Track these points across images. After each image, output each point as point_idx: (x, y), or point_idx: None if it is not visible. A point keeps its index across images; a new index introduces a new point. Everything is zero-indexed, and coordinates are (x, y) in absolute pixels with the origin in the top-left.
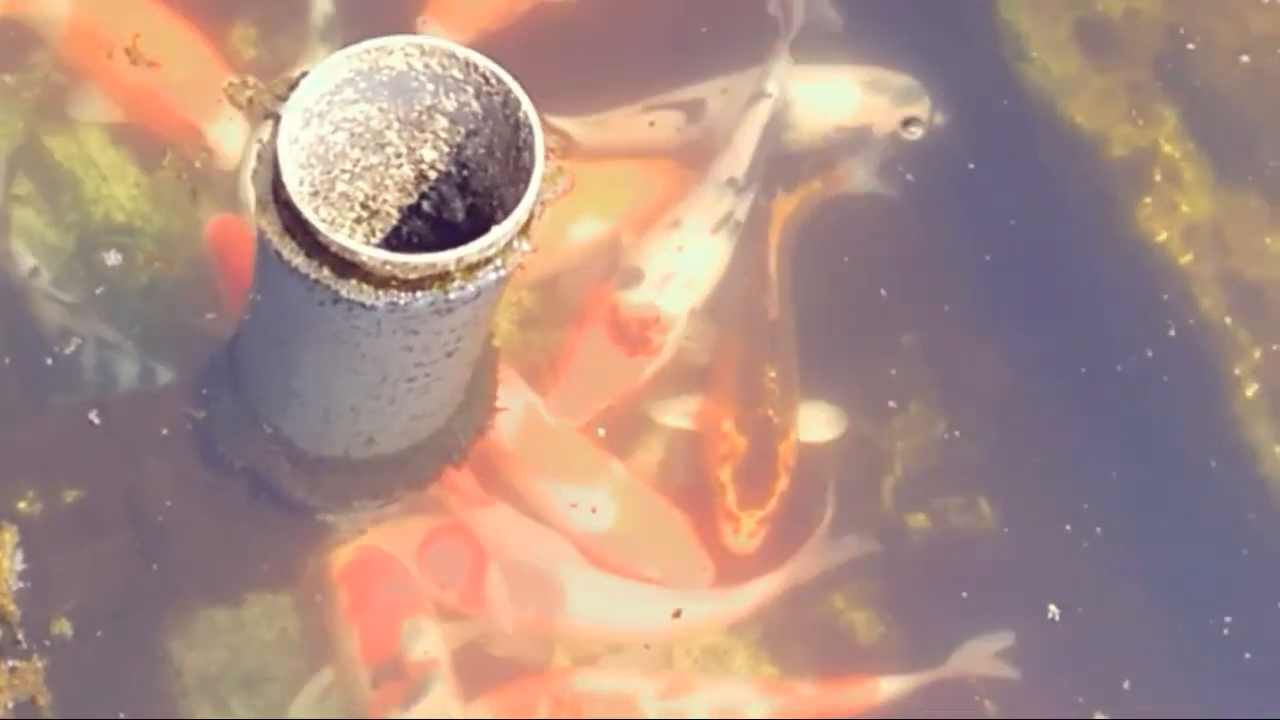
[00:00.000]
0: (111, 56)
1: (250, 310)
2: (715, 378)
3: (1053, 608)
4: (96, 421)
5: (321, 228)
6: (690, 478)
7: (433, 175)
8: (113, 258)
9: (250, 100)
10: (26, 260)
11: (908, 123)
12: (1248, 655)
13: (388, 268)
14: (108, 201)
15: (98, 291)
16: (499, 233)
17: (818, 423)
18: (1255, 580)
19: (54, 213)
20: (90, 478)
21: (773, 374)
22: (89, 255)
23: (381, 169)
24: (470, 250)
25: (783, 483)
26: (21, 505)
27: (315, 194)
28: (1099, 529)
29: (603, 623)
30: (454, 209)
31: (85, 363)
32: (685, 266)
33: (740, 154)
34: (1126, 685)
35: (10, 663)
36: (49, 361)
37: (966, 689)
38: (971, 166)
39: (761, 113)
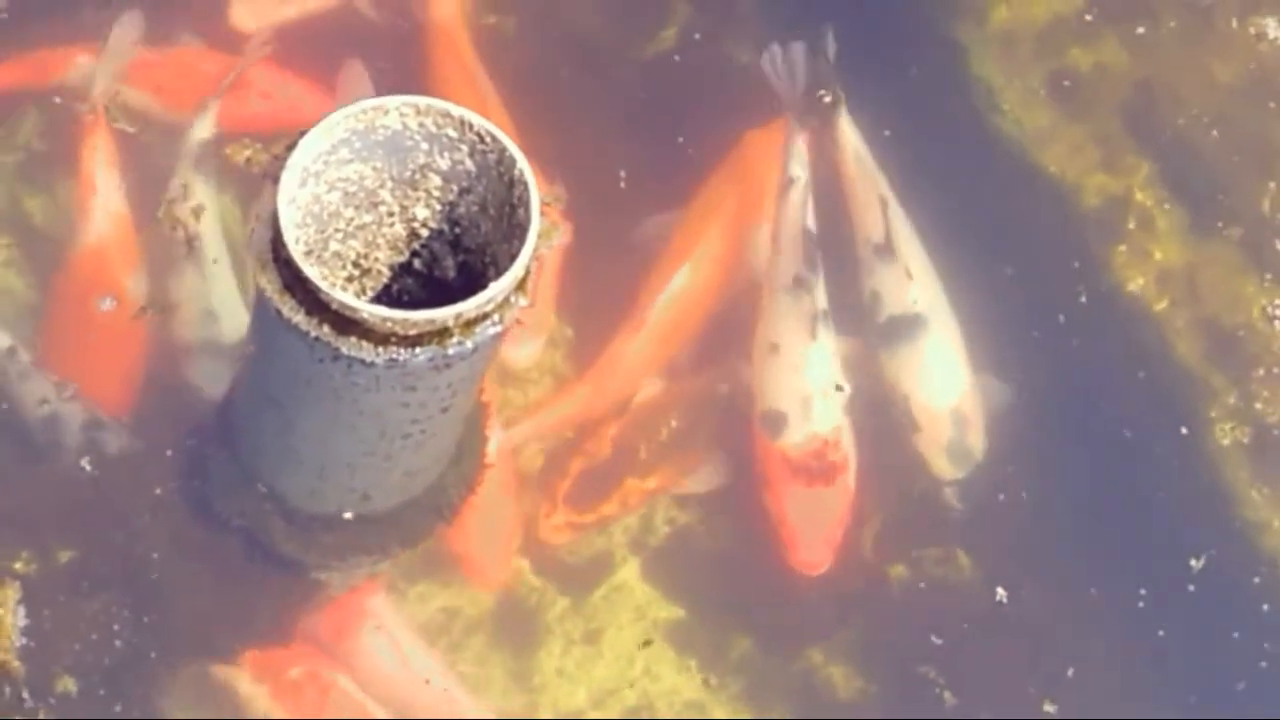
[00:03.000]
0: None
1: (246, 368)
2: (651, 400)
3: (1000, 590)
4: (89, 469)
5: (322, 285)
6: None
7: (425, 233)
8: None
9: (248, 160)
10: (2, 340)
11: None
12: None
13: (388, 324)
14: None
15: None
16: (497, 288)
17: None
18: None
19: (36, 274)
20: (84, 537)
21: (674, 422)
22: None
23: (374, 227)
24: (469, 306)
25: (610, 509)
26: (17, 565)
27: (309, 253)
28: (1081, 579)
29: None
30: (445, 266)
31: (69, 442)
32: (811, 381)
33: (792, 250)
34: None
35: None
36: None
37: (927, 683)
38: (945, 218)
39: (795, 200)
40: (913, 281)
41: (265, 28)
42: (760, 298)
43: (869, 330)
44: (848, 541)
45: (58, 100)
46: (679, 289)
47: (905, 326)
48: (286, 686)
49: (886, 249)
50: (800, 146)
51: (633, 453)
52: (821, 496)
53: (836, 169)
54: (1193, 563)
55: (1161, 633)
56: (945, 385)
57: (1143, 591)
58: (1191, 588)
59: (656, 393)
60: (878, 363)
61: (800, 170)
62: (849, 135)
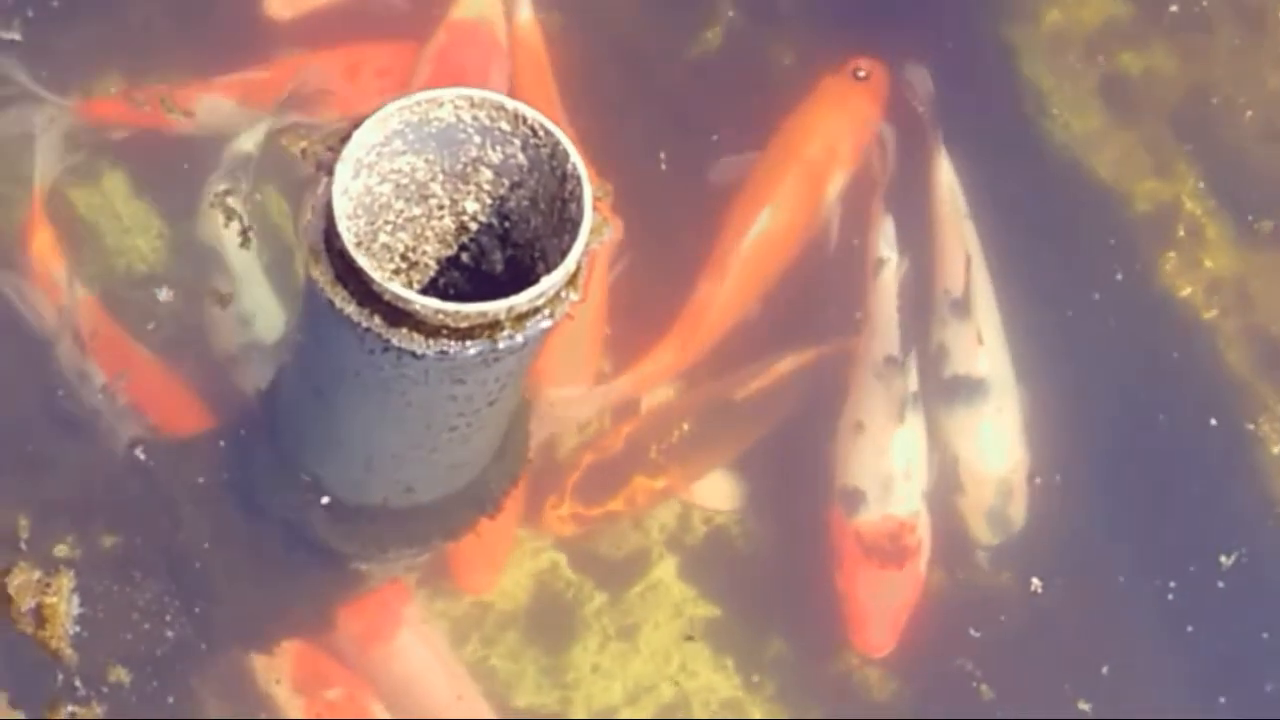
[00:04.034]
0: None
1: (293, 358)
2: (666, 402)
3: (1035, 580)
4: (140, 457)
5: (375, 276)
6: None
7: (474, 227)
8: (163, 293)
9: (303, 151)
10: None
11: None
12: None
13: (439, 317)
14: (130, 253)
15: (149, 326)
16: (549, 283)
17: (716, 491)
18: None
19: (76, 264)
20: (127, 525)
21: (686, 425)
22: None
23: (423, 220)
24: (521, 300)
25: (615, 507)
26: (61, 550)
27: (358, 245)
28: (1117, 573)
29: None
30: (493, 261)
31: (119, 430)
32: (894, 463)
33: (885, 331)
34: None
35: (70, 708)
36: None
37: (964, 675)
38: (994, 223)
39: (887, 281)
40: (982, 347)
41: (300, 15)
42: (850, 373)
43: (929, 379)
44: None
45: (112, 90)
46: (760, 234)
47: (966, 389)
48: (322, 705)
49: (962, 306)
50: (889, 227)
51: (643, 452)
52: (891, 580)
53: (928, 210)
54: (1222, 559)
55: (1190, 628)
56: (996, 454)
57: (1172, 584)
58: (1221, 584)
59: (672, 395)
60: (935, 411)
61: (889, 251)
62: (946, 179)
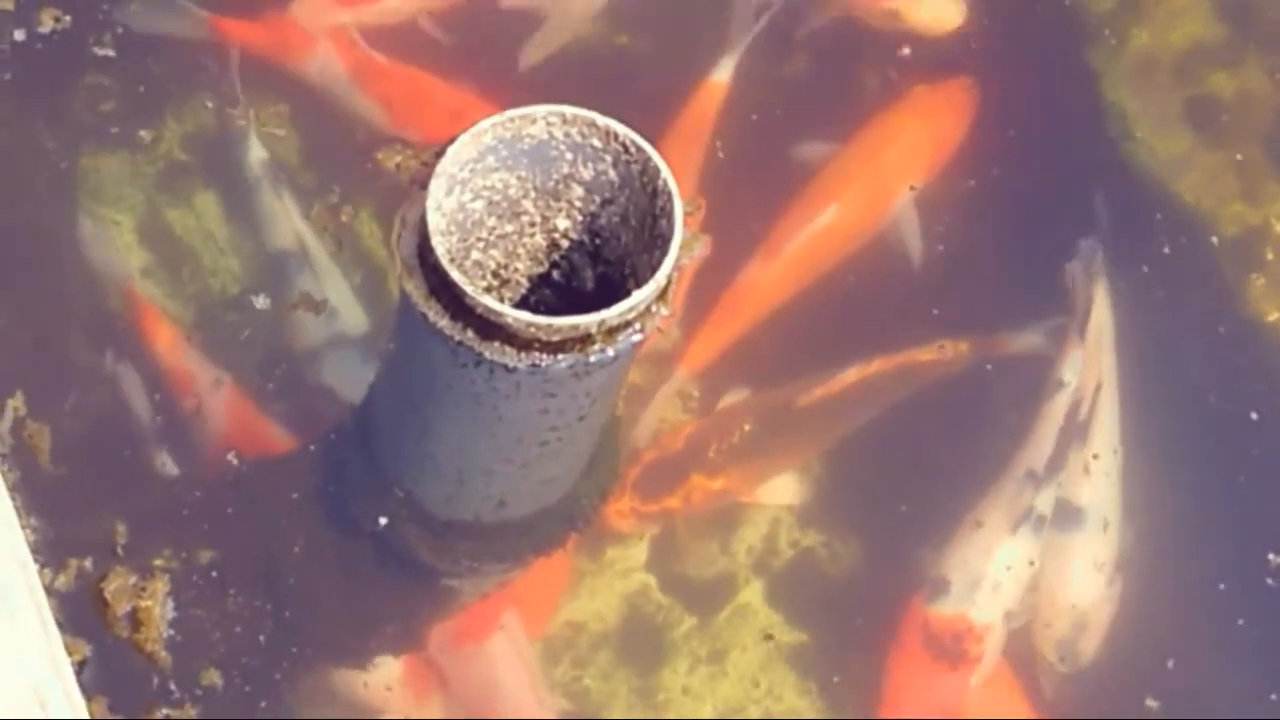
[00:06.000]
0: None
1: (387, 372)
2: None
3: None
4: (236, 467)
5: (469, 289)
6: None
7: (565, 244)
8: (260, 301)
9: (398, 165)
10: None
11: None
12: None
13: (531, 330)
14: (225, 274)
15: (243, 336)
16: (639, 297)
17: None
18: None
19: (174, 284)
20: (222, 534)
21: (747, 427)
22: (240, 308)
23: (515, 237)
24: (612, 314)
25: (673, 504)
26: (164, 561)
27: (450, 261)
28: (1185, 575)
29: None
30: (584, 278)
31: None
32: (991, 570)
33: (1040, 445)
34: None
35: (164, 711)
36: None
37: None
38: (1079, 246)
39: (1059, 402)
40: (1088, 478)
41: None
42: (997, 475)
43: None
44: None
45: (209, 104)
46: (820, 227)
47: (1061, 515)
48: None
49: (1080, 432)
50: (1077, 355)
51: (703, 451)
52: (936, 679)
53: (1075, 329)
54: (1271, 557)
55: (1241, 621)
56: (1079, 586)
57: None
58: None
59: (736, 398)
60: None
61: (1072, 376)
62: (1102, 311)
